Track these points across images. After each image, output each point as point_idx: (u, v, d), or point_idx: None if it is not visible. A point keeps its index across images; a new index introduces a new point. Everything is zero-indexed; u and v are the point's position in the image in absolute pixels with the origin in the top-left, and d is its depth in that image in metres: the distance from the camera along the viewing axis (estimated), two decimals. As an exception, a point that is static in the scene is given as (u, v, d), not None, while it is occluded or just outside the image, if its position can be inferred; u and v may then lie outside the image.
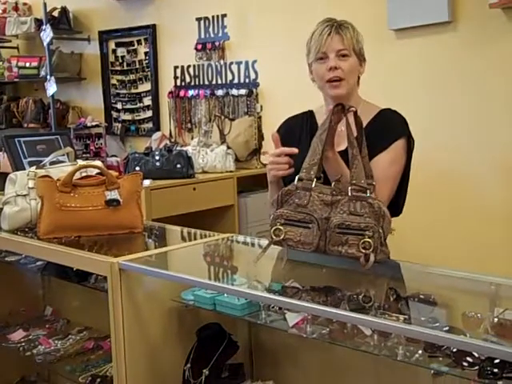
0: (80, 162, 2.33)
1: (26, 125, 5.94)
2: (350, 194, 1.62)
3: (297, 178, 1.68)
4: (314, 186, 1.66)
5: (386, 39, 3.85)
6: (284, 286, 1.60)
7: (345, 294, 1.52)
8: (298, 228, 1.63)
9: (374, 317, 1.33)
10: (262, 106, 4.72)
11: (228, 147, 4.27)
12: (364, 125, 1.82)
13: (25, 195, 2.19)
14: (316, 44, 1.99)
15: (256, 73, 4.72)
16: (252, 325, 1.90)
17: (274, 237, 1.65)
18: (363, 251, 1.55)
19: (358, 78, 2.06)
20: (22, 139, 2.60)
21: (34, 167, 2.28)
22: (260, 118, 4.58)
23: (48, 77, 5.41)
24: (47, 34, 5.34)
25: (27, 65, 5.88)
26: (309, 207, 1.64)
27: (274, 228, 1.65)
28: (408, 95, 3.77)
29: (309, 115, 2.18)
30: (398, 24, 3.76)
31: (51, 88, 5.38)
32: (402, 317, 1.33)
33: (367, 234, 1.55)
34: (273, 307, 1.61)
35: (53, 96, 5.46)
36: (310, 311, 1.46)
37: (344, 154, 1.77)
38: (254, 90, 4.73)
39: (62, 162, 2.43)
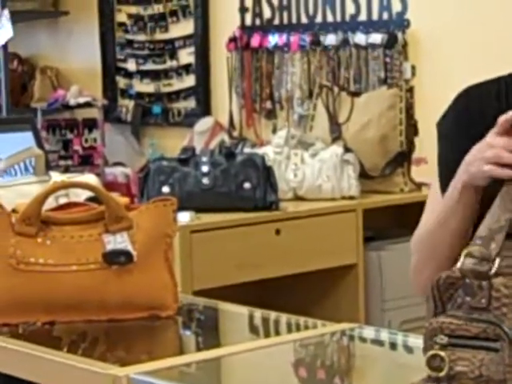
0: (56, 177, 2.38)
1: (-48, 103, 6.13)
2: None
3: (463, 253, 1.68)
4: (495, 268, 1.65)
5: None
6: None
7: None
8: (477, 351, 1.63)
9: None
10: (414, 68, 4.72)
11: (346, 149, 4.28)
12: None
13: (-50, 240, 2.25)
14: None
15: (403, 0, 4.73)
16: None
17: (430, 371, 1.64)
18: None
19: None
20: None
21: (-31, 186, 2.35)
22: (411, 90, 4.58)
23: (-3, 10, 5.58)
24: None
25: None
26: (492, 310, 1.63)
27: (429, 354, 1.65)
28: None
29: (510, 84, 2.16)
30: None
31: (3, 31, 5.54)
32: None
33: None
34: None
35: (5, 47, 5.62)
36: None
37: None
38: (400, 36, 4.73)
39: (22, 175, 2.49)
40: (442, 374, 1.62)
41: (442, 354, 1.63)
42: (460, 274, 1.66)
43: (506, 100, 2.15)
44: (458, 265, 1.66)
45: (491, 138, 1.90)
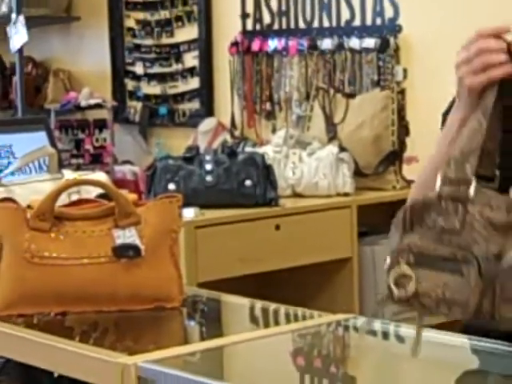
0: (68, 175, 2.39)
1: (-31, 104, 6.13)
2: None
3: (439, 178, 1.68)
4: (473, 193, 1.66)
5: None
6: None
7: None
8: (441, 273, 1.63)
9: None
10: (406, 71, 4.72)
11: (342, 148, 4.28)
12: None
13: (-32, 235, 2.25)
14: None
15: (395, 6, 4.73)
16: None
17: (395, 289, 1.65)
18: None
19: None
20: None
21: (-15, 183, 2.35)
22: (403, 92, 4.58)
23: (13, 16, 5.58)
24: None
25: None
26: (464, 235, 1.64)
27: (394, 271, 1.65)
28: None
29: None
30: None
31: (18, 36, 5.54)
32: None
33: None
34: None
35: (21, 51, 5.62)
36: None
37: None
38: (392, 41, 4.73)
39: (36, 173, 2.49)
40: (406, 293, 1.64)
41: (409, 272, 1.64)
42: (437, 197, 1.66)
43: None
44: (436, 189, 1.66)
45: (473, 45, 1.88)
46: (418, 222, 1.68)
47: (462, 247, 1.62)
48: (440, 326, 1.95)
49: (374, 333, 2.16)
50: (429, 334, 1.97)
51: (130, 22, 5.86)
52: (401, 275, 1.64)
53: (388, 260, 1.66)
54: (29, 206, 2.17)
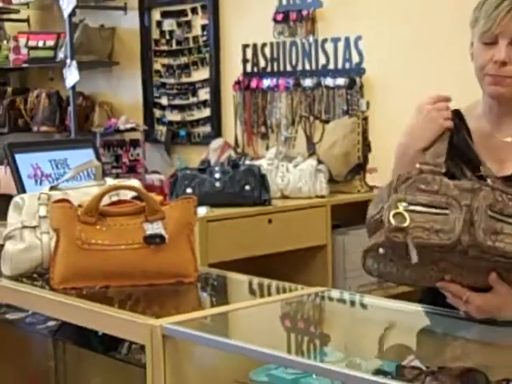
0: (110, 182, 2.39)
1: (36, 128, 6.11)
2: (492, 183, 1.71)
3: (418, 164, 1.75)
4: (444, 170, 1.74)
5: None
6: (400, 366, 1.58)
7: (490, 380, 1.49)
8: (430, 215, 1.68)
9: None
10: (368, 103, 4.72)
11: (319, 161, 4.28)
12: None
13: (34, 227, 2.24)
14: (486, 19, 1.88)
15: (360, 54, 4.74)
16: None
17: (393, 220, 1.67)
18: None
19: None
20: (31, 154, 2.67)
21: (47, 188, 2.34)
22: (366, 119, 4.57)
23: (68, 61, 5.59)
24: (69, 0, 5.52)
25: (40, 44, 6.07)
26: (441, 193, 1.70)
27: (393, 212, 1.67)
28: None
29: (455, 117, 2.12)
30: None
31: (72, 76, 5.55)
32: None
33: None
34: (382, 396, 1.59)
35: (74, 88, 5.64)
36: (438, 404, 1.44)
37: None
38: (358, 80, 4.73)
39: (85, 180, 2.49)
40: (403, 224, 1.66)
41: (404, 213, 1.67)
42: (418, 172, 1.73)
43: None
44: (417, 166, 1.75)
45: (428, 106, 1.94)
46: (403, 184, 1.73)
47: (444, 195, 1.69)
48: (399, 296, 1.96)
49: (343, 301, 2.17)
50: (389, 303, 1.98)
51: (157, 66, 5.86)
52: (398, 213, 1.67)
53: (387, 204, 1.70)
54: (80, 205, 2.17)
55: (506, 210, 1.66)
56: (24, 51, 6.11)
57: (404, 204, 1.69)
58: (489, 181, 1.71)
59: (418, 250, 1.66)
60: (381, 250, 1.72)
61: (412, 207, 1.68)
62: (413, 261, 1.65)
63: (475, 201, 1.67)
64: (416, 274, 1.74)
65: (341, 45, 4.82)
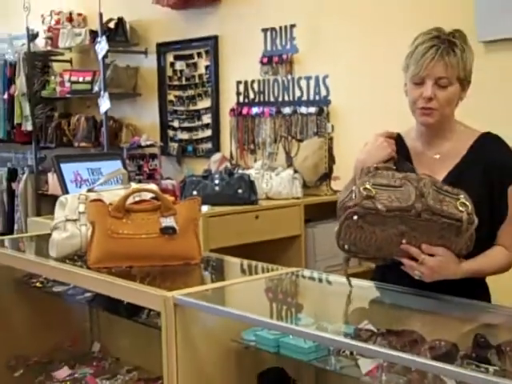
0: (133, 185, 2.38)
1: (76, 144, 6.12)
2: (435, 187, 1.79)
3: (374, 165, 1.84)
4: (395, 167, 1.84)
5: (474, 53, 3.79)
6: (357, 329, 1.58)
7: (427, 339, 1.49)
8: (390, 191, 1.75)
9: (459, 367, 1.29)
10: (333, 126, 4.72)
11: (295, 171, 4.28)
12: (463, 152, 1.95)
13: (75, 220, 2.24)
14: (416, 65, 1.93)
15: (327, 89, 4.74)
16: (319, 371, 1.88)
17: (363, 191, 1.73)
18: (462, 210, 1.70)
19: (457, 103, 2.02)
20: (73, 164, 2.67)
21: (85, 190, 2.34)
22: (331, 139, 4.58)
23: (101, 92, 5.57)
24: (102, 46, 5.52)
25: (80, 79, 6.07)
26: (395, 178, 1.79)
27: (362, 187, 1.76)
28: (503, 117, 3.69)
29: (397, 139, 2.13)
30: (488, 35, 3.71)
31: (104, 104, 5.54)
32: (491, 368, 1.29)
33: (462, 197, 1.74)
34: (343, 352, 1.59)
35: (106, 113, 5.63)
36: (386, 358, 1.44)
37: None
38: (325, 108, 4.74)
39: (115, 185, 2.48)
40: (370, 192, 1.73)
41: (371, 188, 1.75)
42: (374, 168, 1.83)
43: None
44: (374, 166, 1.84)
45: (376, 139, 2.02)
46: (366, 175, 1.80)
47: (399, 178, 1.78)
48: (358, 275, 1.95)
49: (313, 279, 2.17)
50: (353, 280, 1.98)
51: (170, 97, 5.84)
52: (366, 188, 1.74)
53: (355, 186, 1.77)
54: (110, 204, 2.17)
55: (444, 188, 1.77)
56: (67, 85, 6.14)
57: (369, 183, 1.75)
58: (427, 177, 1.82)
59: (382, 216, 1.71)
60: (355, 217, 1.73)
61: (376, 186, 1.75)
62: (382, 212, 1.71)
63: (422, 182, 1.77)
64: (381, 240, 1.75)
65: (312, 82, 4.82)
